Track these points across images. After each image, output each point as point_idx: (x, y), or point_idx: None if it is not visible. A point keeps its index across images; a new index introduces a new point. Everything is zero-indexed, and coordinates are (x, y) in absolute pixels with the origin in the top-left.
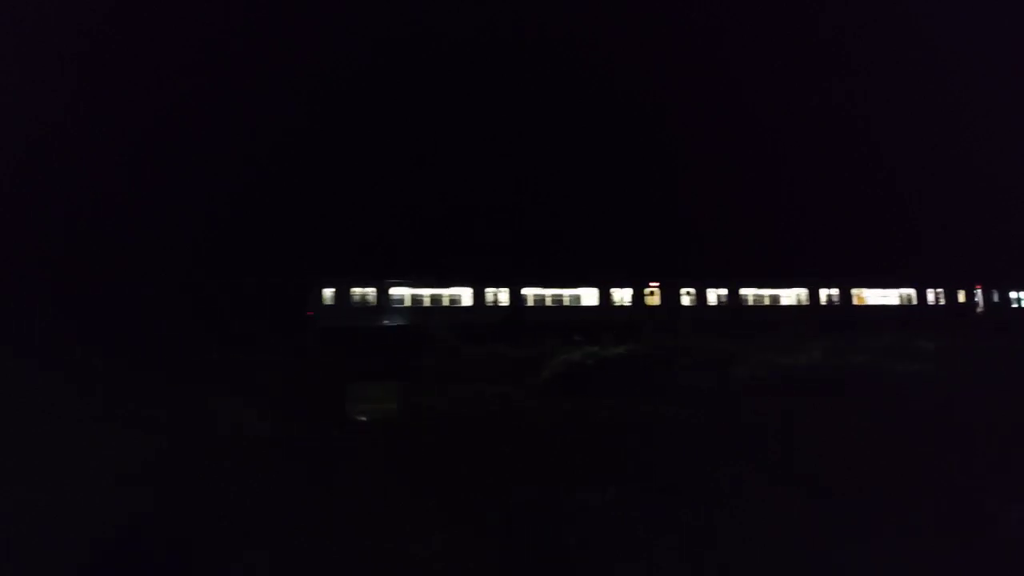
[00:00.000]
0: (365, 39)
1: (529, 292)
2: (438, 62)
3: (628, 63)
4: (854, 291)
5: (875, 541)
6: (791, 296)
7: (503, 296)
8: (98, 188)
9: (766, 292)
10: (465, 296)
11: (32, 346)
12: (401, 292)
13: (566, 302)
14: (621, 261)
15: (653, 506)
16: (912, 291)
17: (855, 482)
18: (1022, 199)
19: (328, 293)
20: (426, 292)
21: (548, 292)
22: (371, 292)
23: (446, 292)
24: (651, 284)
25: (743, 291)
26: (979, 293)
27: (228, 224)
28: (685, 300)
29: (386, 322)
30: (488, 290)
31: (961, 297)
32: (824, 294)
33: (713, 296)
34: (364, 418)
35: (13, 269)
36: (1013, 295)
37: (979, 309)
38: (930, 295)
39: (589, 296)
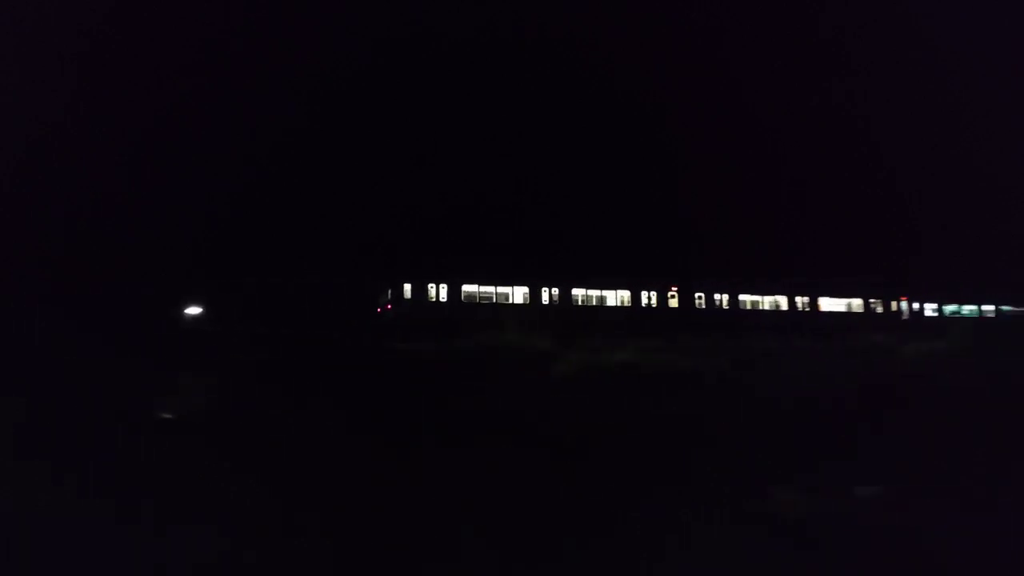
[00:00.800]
0: (365, 39)
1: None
2: (438, 62)
3: (628, 63)
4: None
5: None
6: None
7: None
8: (98, 188)
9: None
10: (518, 294)
11: (32, 346)
12: (470, 289)
13: (606, 302)
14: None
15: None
16: (856, 300)
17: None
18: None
19: (408, 288)
20: (491, 290)
21: (593, 292)
22: (444, 288)
23: (503, 290)
24: (672, 287)
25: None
26: (904, 304)
27: (229, 224)
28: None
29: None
30: (544, 289)
31: (893, 307)
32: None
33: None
34: (169, 416)
35: (13, 269)
36: (931, 306)
37: (904, 317)
38: (869, 304)
39: (622, 296)
